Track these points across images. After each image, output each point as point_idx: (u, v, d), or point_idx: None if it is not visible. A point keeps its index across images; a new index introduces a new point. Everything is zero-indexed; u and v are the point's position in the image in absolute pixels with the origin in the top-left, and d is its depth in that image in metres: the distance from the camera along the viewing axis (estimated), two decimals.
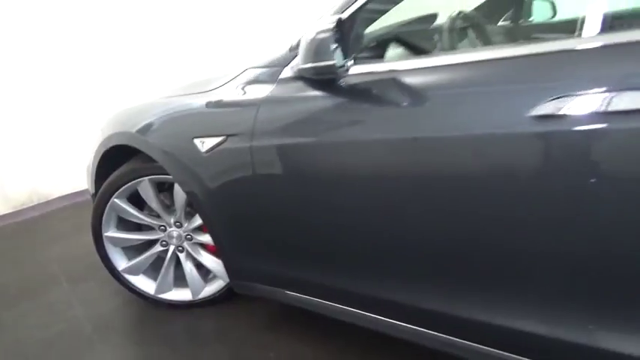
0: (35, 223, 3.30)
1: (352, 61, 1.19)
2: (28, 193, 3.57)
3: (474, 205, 1.05)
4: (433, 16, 1.54)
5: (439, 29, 1.41)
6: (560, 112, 0.89)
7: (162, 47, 4.00)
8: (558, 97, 0.89)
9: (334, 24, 1.08)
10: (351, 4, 1.20)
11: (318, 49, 1.13)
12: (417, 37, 1.39)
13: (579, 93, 0.88)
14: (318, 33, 1.12)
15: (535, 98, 0.92)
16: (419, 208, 1.14)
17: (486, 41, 1.52)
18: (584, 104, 0.87)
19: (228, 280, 1.75)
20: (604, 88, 0.86)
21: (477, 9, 2.00)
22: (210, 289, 1.92)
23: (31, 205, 3.56)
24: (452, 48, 1.44)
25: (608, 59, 0.90)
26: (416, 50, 1.36)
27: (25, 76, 3.40)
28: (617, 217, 0.89)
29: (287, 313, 1.84)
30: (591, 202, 0.90)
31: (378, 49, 1.36)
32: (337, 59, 1.12)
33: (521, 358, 1.09)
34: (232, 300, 1.92)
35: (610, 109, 0.84)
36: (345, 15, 1.19)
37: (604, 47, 0.90)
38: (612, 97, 0.84)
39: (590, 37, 0.92)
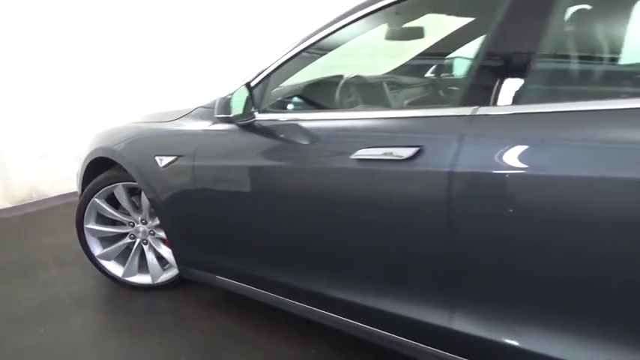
0: (33, 217, 3.80)
1: (257, 112, 1.71)
2: (29, 191, 4.08)
3: (329, 208, 1.54)
4: (339, 77, 2.05)
5: (332, 89, 1.93)
6: (364, 157, 1.39)
7: (161, 57, 4.49)
8: (367, 148, 1.40)
9: (238, 89, 1.61)
10: (258, 75, 1.72)
11: (223, 106, 1.66)
12: (313, 94, 1.90)
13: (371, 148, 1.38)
14: (225, 95, 1.64)
15: (356, 146, 1.42)
16: (302, 213, 1.64)
17: (364, 101, 2.02)
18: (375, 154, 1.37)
19: None
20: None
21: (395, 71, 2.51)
22: (166, 275, 2.41)
23: (30, 201, 4.07)
24: (336, 105, 1.95)
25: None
26: (312, 104, 1.87)
27: (28, 83, 3.90)
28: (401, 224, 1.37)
29: (227, 297, 2.31)
30: (389, 213, 1.39)
31: (286, 101, 1.88)
32: (245, 111, 1.64)
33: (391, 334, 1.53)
34: (183, 285, 2.41)
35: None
36: (253, 82, 1.71)
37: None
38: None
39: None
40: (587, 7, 1.48)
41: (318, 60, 1.79)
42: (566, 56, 1.41)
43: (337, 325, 1.66)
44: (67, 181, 4.11)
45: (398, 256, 1.42)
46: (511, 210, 1.16)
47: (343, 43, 1.72)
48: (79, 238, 2.44)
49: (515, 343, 1.23)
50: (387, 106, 2.15)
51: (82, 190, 2.46)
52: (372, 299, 1.52)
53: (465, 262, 1.27)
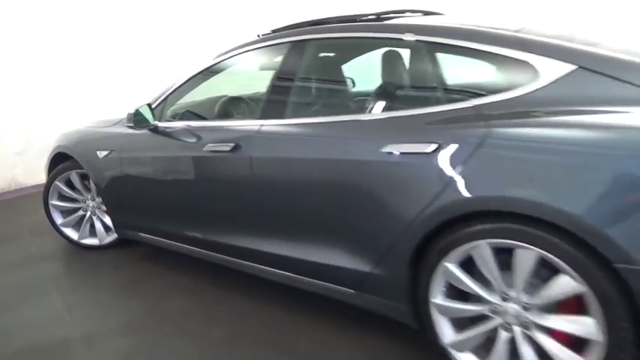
0: (12, 203, 4.68)
1: (158, 122, 2.64)
2: (8, 182, 4.96)
3: (200, 180, 2.47)
4: (223, 96, 2.98)
5: (209, 106, 2.87)
6: (210, 149, 2.32)
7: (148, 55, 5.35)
8: (211, 143, 2.33)
9: (142, 106, 2.55)
10: (158, 98, 2.66)
11: (129, 118, 2.60)
12: (197, 109, 2.84)
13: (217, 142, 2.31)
14: (131, 111, 2.58)
15: (207, 142, 2.36)
16: (186, 184, 2.56)
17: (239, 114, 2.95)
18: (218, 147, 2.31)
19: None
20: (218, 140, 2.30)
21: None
22: (109, 238, 3.31)
23: (9, 190, 4.95)
24: (208, 117, 2.83)
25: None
26: (196, 115, 2.80)
27: (6, 90, 4.79)
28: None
29: (155, 251, 3.23)
30: (223, 182, 2.32)
31: (180, 113, 2.81)
32: (147, 122, 2.57)
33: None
34: (122, 245, 3.32)
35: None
36: (154, 104, 2.65)
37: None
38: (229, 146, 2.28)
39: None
40: (323, 55, 2.40)
41: (205, 83, 2.72)
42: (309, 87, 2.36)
43: (216, 260, 2.57)
44: (41, 173, 4.94)
45: (233, 208, 2.36)
46: (272, 178, 2.12)
47: (226, 69, 2.61)
48: (46, 212, 3.34)
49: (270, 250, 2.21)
50: (231, 117, 2.98)
51: (48, 176, 3.36)
52: (219, 237, 2.46)
53: (262, 211, 2.23)
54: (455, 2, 4.59)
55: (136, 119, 2.61)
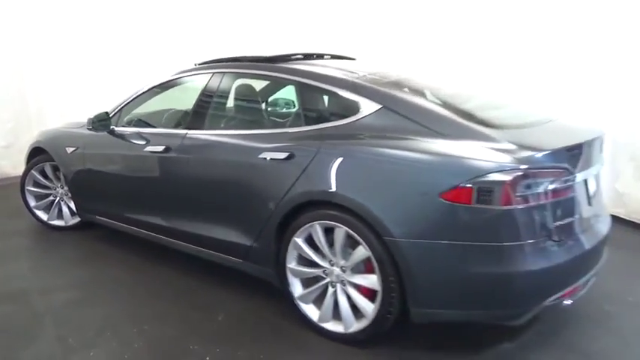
0: None
1: (115, 127, 3.34)
2: None
3: (143, 174, 3.16)
4: (167, 109, 3.69)
5: (156, 117, 3.58)
6: (149, 149, 3.02)
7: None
8: (150, 145, 3.03)
9: (100, 113, 3.25)
10: (116, 108, 3.36)
11: (88, 122, 3.30)
12: (148, 118, 3.54)
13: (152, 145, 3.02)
14: (90, 117, 3.28)
15: (147, 145, 3.05)
16: (133, 177, 3.25)
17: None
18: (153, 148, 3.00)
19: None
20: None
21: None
22: (74, 220, 3.98)
23: None
24: (155, 125, 3.52)
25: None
26: (146, 124, 3.50)
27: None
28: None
29: (112, 234, 3.89)
30: (158, 176, 3.01)
31: (133, 120, 3.50)
32: (105, 126, 3.28)
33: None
34: (85, 227, 3.98)
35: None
36: (112, 112, 3.35)
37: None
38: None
39: None
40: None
41: (155, 98, 3.43)
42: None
43: (150, 238, 3.25)
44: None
45: (161, 196, 3.05)
46: (187, 171, 2.82)
47: (171, 87, 3.32)
48: (22, 196, 4.00)
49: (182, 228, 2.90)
50: (169, 126, 3.48)
51: (26, 166, 4.04)
52: (152, 219, 3.14)
53: (180, 198, 2.92)
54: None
55: (93, 124, 3.32)
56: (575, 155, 2.19)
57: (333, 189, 2.20)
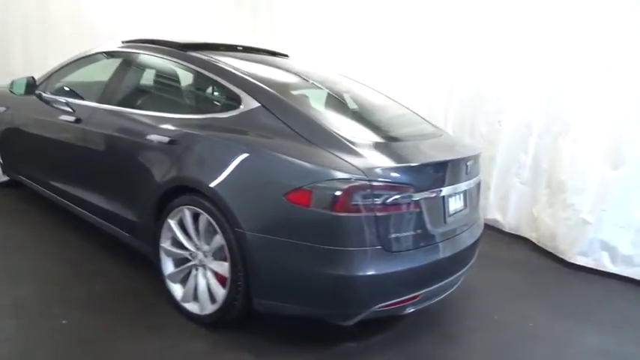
0: None
1: (40, 92, 3.43)
2: None
3: (61, 140, 3.26)
4: (92, 81, 3.76)
5: (82, 87, 3.66)
6: (64, 119, 3.12)
7: None
8: (66, 115, 3.13)
9: (19, 79, 3.35)
10: (44, 75, 3.46)
11: (9, 86, 3.40)
12: (75, 88, 3.62)
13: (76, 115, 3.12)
14: (11, 81, 3.38)
15: (67, 111, 3.15)
16: (52, 142, 3.34)
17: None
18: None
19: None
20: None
21: None
22: (3, 178, 4.09)
23: None
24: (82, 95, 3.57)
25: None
26: (72, 92, 3.57)
27: None
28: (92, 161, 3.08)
29: (34, 196, 4.00)
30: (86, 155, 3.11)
31: (61, 88, 3.58)
32: (28, 91, 3.37)
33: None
34: (11, 186, 4.09)
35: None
36: (38, 80, 3.44)
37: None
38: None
39: None
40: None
41: (84, 68, 3.51)
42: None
43: (58, 202, 3.37)
44: None
45: (69, 165, 3.16)
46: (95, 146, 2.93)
47: (98, 61, 3.40)
48: None
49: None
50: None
51: None
52: (60, 185, 3.25)
53: (83, 167, 3.03)
54: None
55: (10, 87, 3.44)
56: (435, 172, 2.31)
57: (198, 177, 2.31)
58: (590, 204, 3.67)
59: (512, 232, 4.39)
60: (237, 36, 5.62)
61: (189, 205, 2.38)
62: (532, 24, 4.06)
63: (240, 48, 3.25)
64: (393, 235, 2.11)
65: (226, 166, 2.25)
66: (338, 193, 1.99)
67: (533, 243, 4.17)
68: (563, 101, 3.88)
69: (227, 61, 2.71)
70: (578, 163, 3.74)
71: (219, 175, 2.25)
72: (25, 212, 3.69)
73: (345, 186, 1.99)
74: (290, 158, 2.12)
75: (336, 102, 2.93)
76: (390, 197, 2.07)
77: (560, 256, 3.85)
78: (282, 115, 2.33)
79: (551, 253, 3.96)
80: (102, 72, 3.32)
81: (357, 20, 5.52)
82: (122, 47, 3.16)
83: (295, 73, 3.13)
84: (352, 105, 2.97)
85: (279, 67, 3.13)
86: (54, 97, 3.39)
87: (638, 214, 3.52)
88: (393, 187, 2.09)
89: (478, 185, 2.76)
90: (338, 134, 2.24)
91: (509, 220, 4.40)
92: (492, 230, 4.43)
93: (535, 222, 4.16)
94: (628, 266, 3.61)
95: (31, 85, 3.43)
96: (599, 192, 3.62)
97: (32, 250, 3.08)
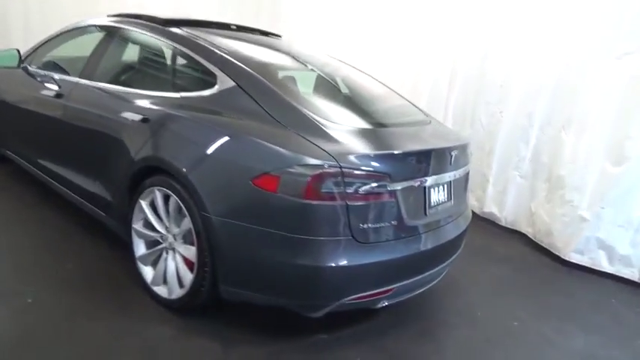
0: None
1: (28, 66, 3.36)
2: None
3: (44, 113, 3.18)
4: (77, 56, 3.67)
5: (67, 61, 3.57)
6: (49, 93, 3.05)
7: None
8: (51, 90, 3.06)
9: (9, 50, 3.27)
10: (30, 49, 3.38)
11: None
12: (61, 62, 3.54)
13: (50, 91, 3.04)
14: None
15: (49, 86, 3.08)
16: (37, 115, 3.27)
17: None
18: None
19: None
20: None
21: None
22: None
23: None
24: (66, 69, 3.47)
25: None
26: (58, 67, 3.49)
27: None
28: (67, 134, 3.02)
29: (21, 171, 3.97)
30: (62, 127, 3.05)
31: (47, 62, 3.49)
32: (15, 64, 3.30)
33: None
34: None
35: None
36: (23, 55, 3.37)
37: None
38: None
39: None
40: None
41: (72, 41, 3.42)
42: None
43: (40, 178, 3.32)
44: None
45: (50, 140, 3.10)
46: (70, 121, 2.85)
47: (84, 35, 3.31)
48: None
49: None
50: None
51: None
52: (41, 160, 3.20)
53: (62, 143, 2.96)
54: None
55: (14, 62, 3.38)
56: (416, 162, 2.20)
57: (167, 158, 2.23)
58: (589, 201, 3.52)
59: (509, 227, 4.26)
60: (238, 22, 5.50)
61: (160, 186, 2.30)
62: (540, 10, 3.87)
63: (234, 27, 3.15)
64: (365, 226, 2.00)
65: (195, 147, 2.16)
66: (307, 179, 1.89)
67: (529, 238, 4.04)
68: (567, 92, 3.71)
69: (208, 39, 2.60)
70: (579, 158, 3.59)
71: (188, 156, 2.16)
72: (7, 189, 3.65)
73: (315, 172, 1.89)
74: (259, 141, 2.02)
75: (328, 85, 2.83)
76: (363, 186, 1.96)
77: (556, 253, 3.72)
78: (257, 95, 2.22)
79: (546, 249, 3.83)
80: (85, 46, 3.24)
81: (360, 7, 5.36)
82: (106, 21, 3.07)
83: (286, 54, 3.03)
84: (344, 89, 2.86)
85: (268, 47, 3.03)
86: (39, 70, 3.32)
87: (638, 212, 3.37)
88: (367, 175, 1.98)
89: (466, 176, 2.64)
90: (314, 118, 2.13)
91: (505, 214, 4.26)
92: (488, 224, 4.32)
93: (532, 217, 4.02)
94: (625, 266, 3.47)
95: (17, 58, 3.36)
96: (599, 189, 3.47)
97: (10, 227, 3.04)
